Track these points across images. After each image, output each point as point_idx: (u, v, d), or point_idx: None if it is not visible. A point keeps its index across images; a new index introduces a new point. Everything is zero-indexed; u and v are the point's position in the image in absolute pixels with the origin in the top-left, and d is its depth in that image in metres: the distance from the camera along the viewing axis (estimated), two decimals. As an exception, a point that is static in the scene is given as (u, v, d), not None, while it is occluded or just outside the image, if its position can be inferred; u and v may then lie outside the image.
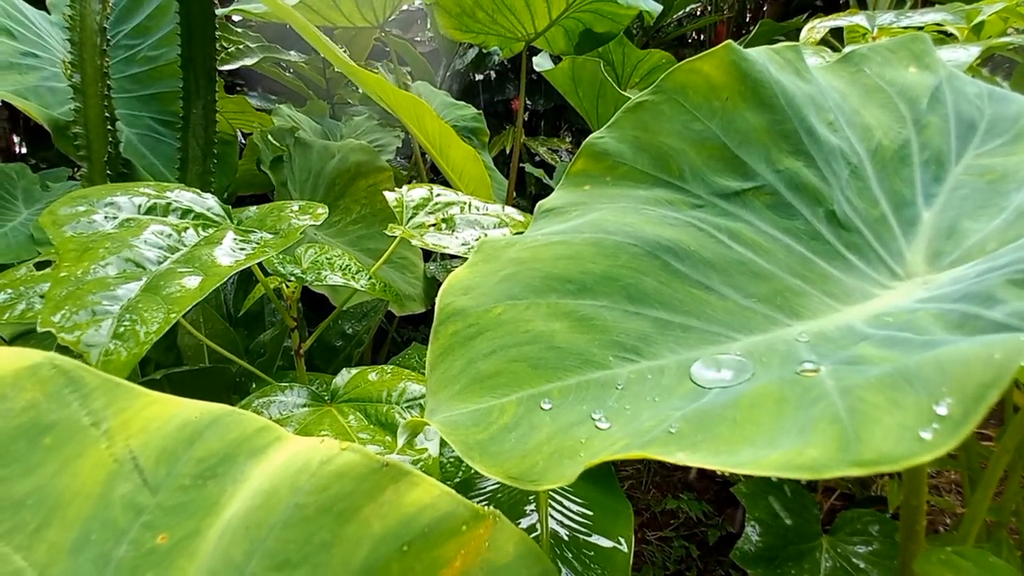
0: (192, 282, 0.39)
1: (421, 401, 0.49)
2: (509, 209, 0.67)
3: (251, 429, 0.28)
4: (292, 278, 0.53)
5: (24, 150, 2.06)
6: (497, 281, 0.33)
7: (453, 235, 0.57)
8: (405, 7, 2.18)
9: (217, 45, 0.91)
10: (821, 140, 0.45)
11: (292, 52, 2.13)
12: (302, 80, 2.19)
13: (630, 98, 0.47)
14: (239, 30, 2.11)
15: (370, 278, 0.59)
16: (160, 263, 0.41)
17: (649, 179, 0.44)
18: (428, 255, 1.59)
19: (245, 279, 1.00)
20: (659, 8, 1.41)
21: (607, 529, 0.67)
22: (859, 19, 0.95)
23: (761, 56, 0.45)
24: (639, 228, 0.38)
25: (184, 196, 0.48)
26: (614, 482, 0.75)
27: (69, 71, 0.88)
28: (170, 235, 0.43)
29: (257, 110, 1.48)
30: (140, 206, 0.45)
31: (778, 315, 0.38)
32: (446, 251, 0.57)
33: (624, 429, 0.24)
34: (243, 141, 1.59)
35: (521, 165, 1.88)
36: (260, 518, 0.24)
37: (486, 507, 0.25)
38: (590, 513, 0.70)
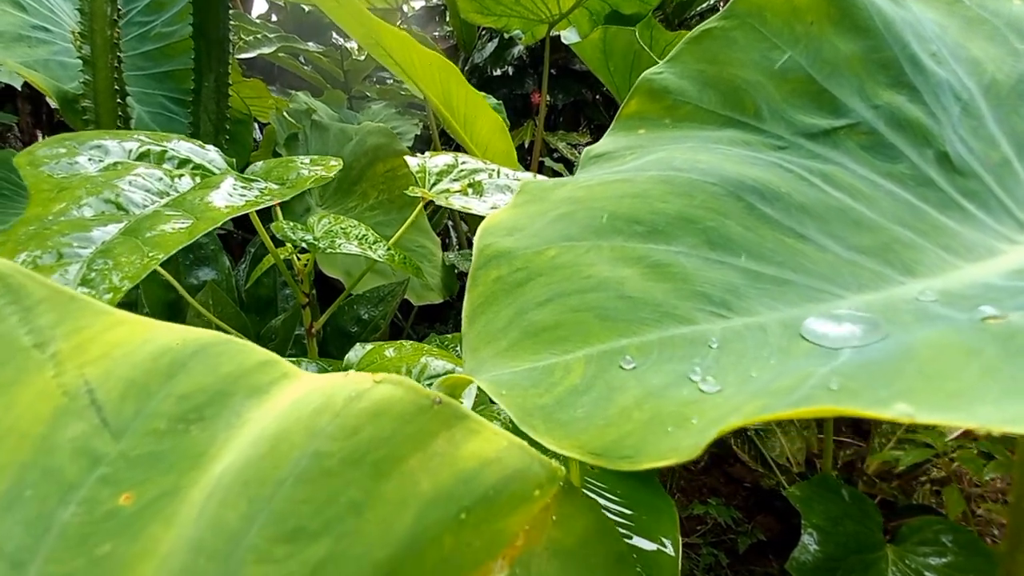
0: (180, 225, 0.33)
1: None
2: (541, 177, 0.60)
3: (251, 362, 0.21)
4: (304, 245, 0.47)
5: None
6: (548, 221, 0.27)
7: (481, 199, 0.51)
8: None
9: (230, 15, 0.87)
10: (927, 71, 0.37)
11: (310, 43, 2.10)
12: (320, 73, 2.16)
13: None
14: (258, 22, 2.09)
15: (388, 248, 0.53)
16: (146, 207, 0.35)
17: (718, 119, 0.38)
18: (446, 245, 1.53)
19: (258, 261, 0.95)
20: (692, -17, 1.33)
21: (650, 530, 0.60)
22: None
23: (852, -27, 0.38)
24: (716, 165, 0.31)
25: (182, 145, 0.43)
26: (654, 477, 0.68)
27: (79, 42, 0.84)
28: (161, 179, 0.37)
29: (274, 97, 1.44)
30: (131, 151, 0.40)
31: (888, 271, 0.31)
32: (473, 213, 0.50)
33: (743, 391, 0.17)
34: (258, 137, 1.55)
35: (540, 160, 1.82)
36: (264, 472, 0.18)
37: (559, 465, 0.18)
38: (630, 512, 0.62)
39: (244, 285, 0.98)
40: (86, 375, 0.20)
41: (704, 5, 2.42)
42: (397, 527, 0.17)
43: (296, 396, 0.20)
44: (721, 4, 2.52)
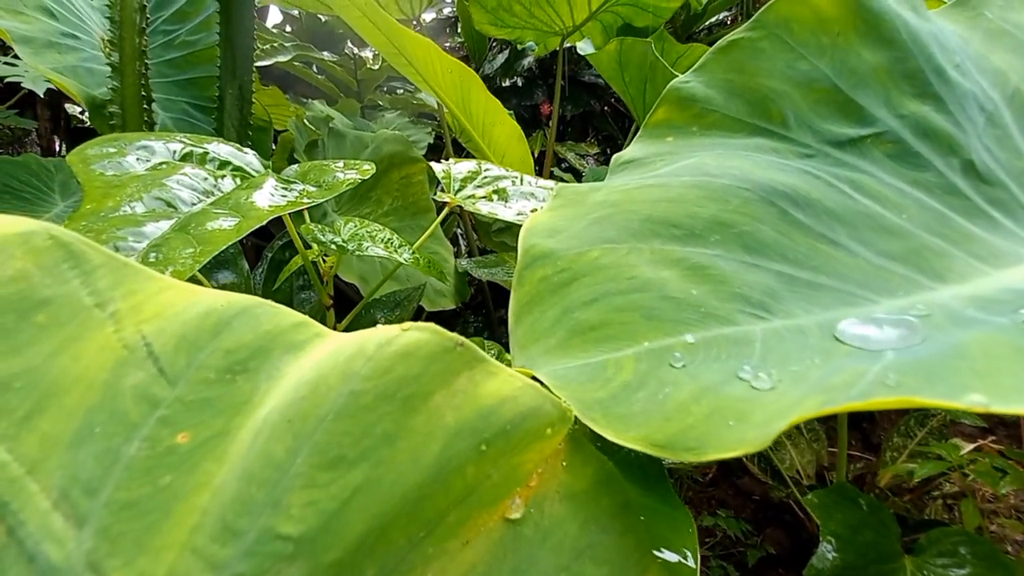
0: (228, 223, 0.34)
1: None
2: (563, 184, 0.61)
3: (287, 323, 0.23)
4: (333, 247, 0.48)
5: (64, 151, 2.10)
6: (588, 224, 0.28)
7: (507, 206, 0.52)
8: (437, 5, 2.17)
9: (255, 25, 0.89)
10: (952, 81, 0.38)
11: (325, 53, 2.13)
12: (333, 82, 2.19)
13: None
14: (274, 31, 2.13)
15: (413, 252, 0.54)
16: (194, 204, 0.36)
17: (745, 127, 0.38)
18: (456, 252, 1.54)
19: (276, 266, 0.96)
20: (705, -5, 1.35)
21: (667, 540, 0.60)
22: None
23: (878, -14, 0.39)
24: (749, 172, 0.32)
25: (222, 148, 0.44)
26: (668, 485, 0.68)
27: (108, 49, 0.86)
28: (206, 179, 0.39)
29: (290, 105, 1.46)
30: (175, 152, 0.41)
31: (919, 277, 0.31)
32: (499, 219, 0.51)
33: (798, 387, 0.18)
34: (273, 145, 1.57)
35: (551, 170, 1.84)
36: (306, 410, 0.20)
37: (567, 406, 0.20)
38: (657, 557, 0.62)
39: (261, 288, 0.99)
40: (143, 331, 0.23)
41: (712, 19, 2.45)
42: (425, 456, 0.19)
43: (332, 348, 0.22)
44: (728, 20, 2.55)
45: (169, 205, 0.35)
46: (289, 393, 0.20)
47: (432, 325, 0.20)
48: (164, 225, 0.34)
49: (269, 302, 0.23)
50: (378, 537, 0.18)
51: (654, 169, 0.36)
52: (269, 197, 0.39)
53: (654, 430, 0.17)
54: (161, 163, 0.39)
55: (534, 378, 0.21)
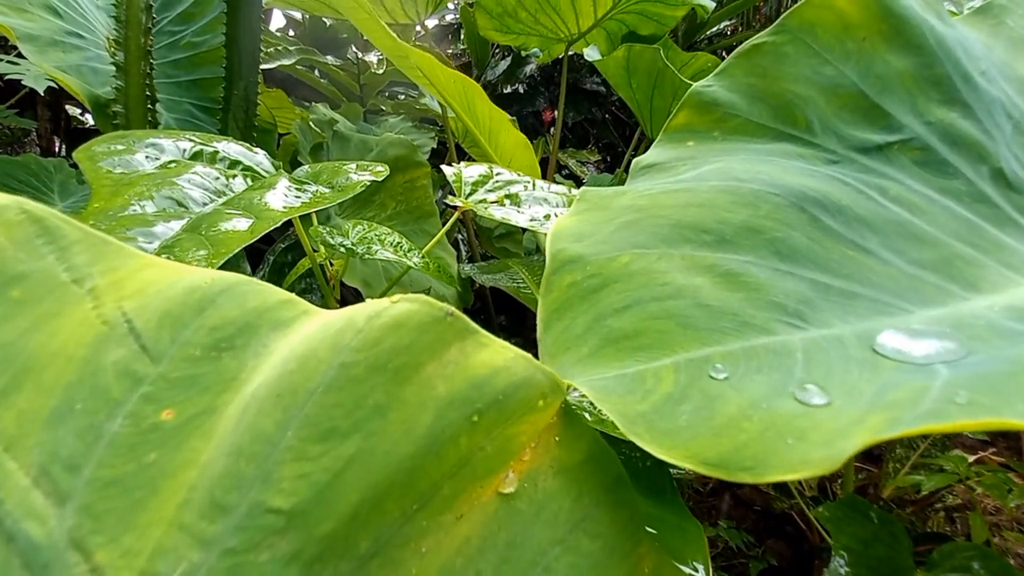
0: (241, 224, 0.33)
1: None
2: (576, 190, 0.60)
3: (274, 300, 0.22)
4: (342, 250, 0.47)
5: (64, 152, 2.08)
6: (615, 229, 0.27)
7: (519, 211, 0.51)
8: (441, 11, 2.18)
9: (262, 27, 0.88)
10: (980, 88, 0.37)
11: (328, 57, 2.13)
12: (336, 86, 2.19)
13: (691, 85, 0.41)
14: (278, 34, 2.13)
15: (423, 256, 0.53)
16: (205, 204, 0.35)
17: (769, 133, 0.38)
18: (458, 257, 1.53)
19: (278, 269, 0.95)
20: (712, 4, 1.35)
21: (678, 553, 0.58)
22: (946, 3, 0.88)
23: (903, -8, 0.39)
24: (777, 177, 0.31)
25: (232, 148, 0.43)
26: (678, 497, 0.67)
27: (113, 49, 0.85)
28: (217, 178, 0.38)
29: (293, 108, 1.45)
30: (185, 150, 0.40)
31: (952, 286, 0.30)
32: (513, 224, 0.50)
33: (855, 404, 0.17)
34: (276, 148, 1.57)
35: (553, 176, 1.83)
36: (295, 383, 0.19)
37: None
38: (654, 533, 0.61)
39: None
40: (123, 307, 0.22)
41: (713, 29, 2.46)
42: (418, 426, 0.18)
43: (320, 323, 0.21)
44: (729, 30, 2.57)
45: (180, 204, 0.34)
46: (278, 368, 0.20)
47: (422, 296, 0.20)
48: (175, 225, 0.32)
49: (255, 279, 0.23)
50: (372, 509, 0.18)
51: (677, 174, 0.35)
52: (283, 198, 0.38)
53: (704, 447, 0.16)
54: (171, 161, 0.38)
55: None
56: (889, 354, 0.22)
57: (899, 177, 0.35)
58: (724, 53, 2.56)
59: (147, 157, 0.38)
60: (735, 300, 0.24)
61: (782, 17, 0.38)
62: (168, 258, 0.30)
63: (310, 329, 0.21)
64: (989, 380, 0.16)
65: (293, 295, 0.23)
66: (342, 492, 0.18)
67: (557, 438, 0.20)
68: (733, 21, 2.55)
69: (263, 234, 0.38)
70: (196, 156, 0.40)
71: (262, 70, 1.83)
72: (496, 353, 0.19)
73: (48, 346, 0.21)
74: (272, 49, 1.86)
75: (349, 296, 1.11)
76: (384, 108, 2.28)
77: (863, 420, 0.16)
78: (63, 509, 0.18)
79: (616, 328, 0.21)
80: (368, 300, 0.21)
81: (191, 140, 0.42)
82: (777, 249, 0.28)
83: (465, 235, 1.60)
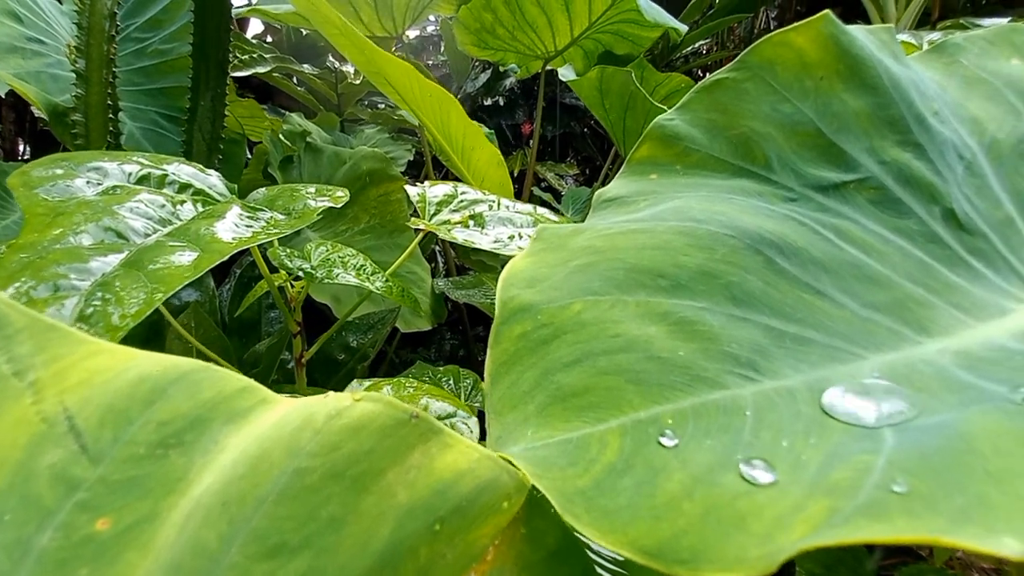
0: (185, 258, 0.31)
1: (447, 422, 0.41)
2: (542, 209, 0.60)
3: (230, 388, 0.21)
4: (300, 274, 0.46)
5: (29, 155, 2.01)
6: (569, 272, 0.26)
7: (483, 232, 0.51)
8: (422, 23, 2.17)
9: (231, 37, 0.87)
10: (933, 129, 0.38)
11: (305, 66, 2.11)
12: (314, 95, 2.17)
13: (664, 110, 0.41)
14: (254, 41, 2.09)
15: (387, 280, 0.52)
16: (148, 235, 0.33)
17: (729, 168, 0.38)
18: (434, 271, 1.52)
19: (244, 284, 0.93)
20: (685, 27, 1.38)
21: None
22: (905, 36, 0.91)
23: (860, 33, 0.39)
24: (734, 218, 0.31)
25: (184, 170, 0.41)
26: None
27: (73, 56, 0.83)
28: (163, 206, 0.36)
29: (267, 117, 1.43)
30: (131, 174, 0.38)
31: (904, 329, 0.31)
32: (476, 247, 0.50)
33: (798, 481, 0.16)
34: (249, 156, 1.53)
35: (531, 190, 1.84)
36: (244, 490, 0.18)
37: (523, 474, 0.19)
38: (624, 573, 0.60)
39: (227, 307, 0.95)
40: (65, 402, 0.20)
41: (688, 49, 2.52)
42: (375, 540, 0.17)
43: (277, 418, 0.20)
44: (704, 49, 2.63)
45: (120, 236, 0.32)
46: (227, 470, 0.18)
47: (385, 396, 0.19)
48: (113, 260, 0.30)
49: (213, 366, 0.21)
50: None
51: (638, 209, 0.35)
52: (233, 228, 0.36)
53: (643, 533, 0.15)
54: (114, 187, 0.36)
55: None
56: (838, 415, 0.22)
57: (855, 216, 0.36)
58: (700, 72, 2.62)
59: (88, 182, 0.35)
60: (688, 351, 0.23)
61: (743, 54, 0.39)
62: (105, 298, 0.28)
63: (266, 424, 0.20)
64: (931, 461, 0.16)
65: (252, 382, 0.21)
66: None
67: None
68: (708, 41, 2.61)
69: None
70: (143, 180, 0.38)
71: (238, 78, 1.80)
72: (461, 454, 0.19)
73: None
74: (247, 56, 1.83)
75: (324, 309, 1.08)
76: (362, 118, 2.26)
77: (803, 506, 0.15)
78: None
79: (564, 385, 0.21)
80: (328, 393, 0.20)
81: (139, 163, 0.40)
82: (733, 294, 0.27)
83: (442, 247, 1.59)
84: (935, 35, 0.88)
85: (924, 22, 1.65)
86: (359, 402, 0.19)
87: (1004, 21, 0.69)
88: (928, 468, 0.16)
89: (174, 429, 0.20)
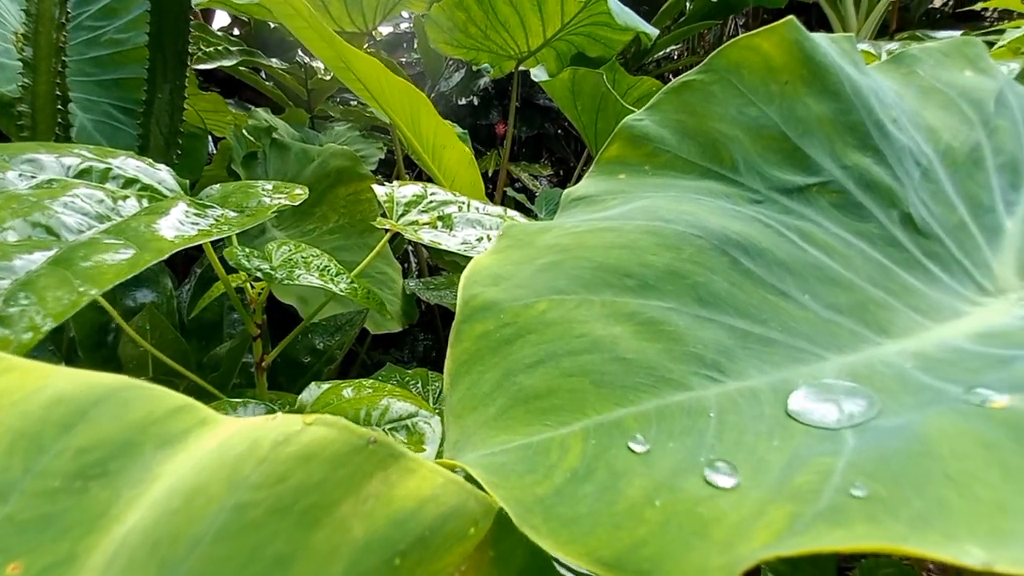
0: (120, 256, 0.29)
1: (408, 422, 0.40)
2: (512, 212, 0.59)
3: (164, 408, 0.19)
4: (259, 275, 0.44)
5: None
6: (535, 271, 0.26)
7: (451, 234, 0.50)
8: (395, 19, 2.14)
9: (190, 27, 0.83)
10: (891, 136, 0.39)
11: (273, 60, 2.05)
12: (282, 90, 2.11)
13: (633, 111, 0.41)
14: (220, 34, 2.03)
15: (351, 282, 0.51)
16: (81, 232, 0.31)
17: (696, 169, 0.38)
18: (406, 271, 1.49)
19: (205, 284, 0.89)
20: (656, 31, 1.40)
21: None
22: (865, 46, 0.94)
23: (824, 40, 0.40)
24: (701, 218, 0.31)
25: (130, 164, 0.38)
26: None
27: (21, 44, 0.78)
28: (102, 201, 0.33)
29: (232, 112, 1.38)
30: (70, 167, 0.35)
31: (865, 331, 0.31)
32: (443, 248, 0.49)
33: (760, 485, 0.16)
34: (213, 150, 1.48)
35: (504, 190, 1.84)
36: (177, 529, 0.16)
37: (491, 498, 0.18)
38: None
39: (187, 308, 0.91)
40: None
41: (660, 53, 2.56)
42: None
43: (217, 443, 0.18)
44: (676, 54, 2.68)
45: (50, 232, 0.30)
46: (159, 505, 0.16)
47: (340, 420, 0.17)
48: (39, 257, 0.28)
49: (144, 383, 0.19)
50: None
51: (607, 208, 0.35)
52: (177, 225, 0.34)
53: (602, 543, 0.15)
54: (49, 180, 0.34)
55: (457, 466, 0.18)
56: (800, 417, 0.22)
57: (818, 219, 0.36)
58: (671, 76, 2.67)
59: (20, 175, 0.33)
60: (654, 352, 0.23)
61: (710, 56, 0.39)
62: (27, 297, 0.26)
63: (205, 450, 0.18)
64: (890, 464, 0.16)
65: (189, 400, 0.19)
66: None
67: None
68: (680, 46, 2.66)
69: (165, 258, 0.34)
70: (83, 174, 0.36)
71: (203, 71, 1.74)
72: (424, 480, 0.17)
73: None
74: (212, 49, 1.77)
75: (290, 308, 1.05)
76: (333, 115, 2.21)
77: (765, 512, 0.15)
78: None
79: (526, 386, 0.20)
80: (276, 415, 0.18)
81: (80, 155, 0.37)
82: (699, 294, 0.27)
83: (414, 247, 1.57)
84: (893, 45, 0.92)
85: (883, 33, 1.72)
86: (310, 426, 0.17)
87: (957, 34, 0.72)
88: (887, 471, 0.16)
89: (96, 457, 0.17)
